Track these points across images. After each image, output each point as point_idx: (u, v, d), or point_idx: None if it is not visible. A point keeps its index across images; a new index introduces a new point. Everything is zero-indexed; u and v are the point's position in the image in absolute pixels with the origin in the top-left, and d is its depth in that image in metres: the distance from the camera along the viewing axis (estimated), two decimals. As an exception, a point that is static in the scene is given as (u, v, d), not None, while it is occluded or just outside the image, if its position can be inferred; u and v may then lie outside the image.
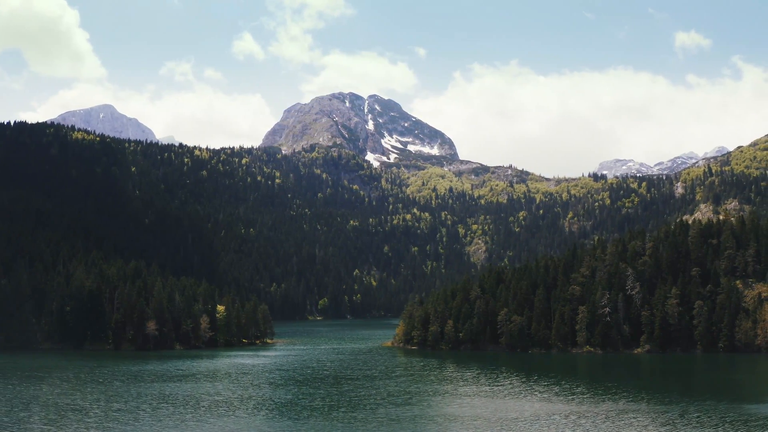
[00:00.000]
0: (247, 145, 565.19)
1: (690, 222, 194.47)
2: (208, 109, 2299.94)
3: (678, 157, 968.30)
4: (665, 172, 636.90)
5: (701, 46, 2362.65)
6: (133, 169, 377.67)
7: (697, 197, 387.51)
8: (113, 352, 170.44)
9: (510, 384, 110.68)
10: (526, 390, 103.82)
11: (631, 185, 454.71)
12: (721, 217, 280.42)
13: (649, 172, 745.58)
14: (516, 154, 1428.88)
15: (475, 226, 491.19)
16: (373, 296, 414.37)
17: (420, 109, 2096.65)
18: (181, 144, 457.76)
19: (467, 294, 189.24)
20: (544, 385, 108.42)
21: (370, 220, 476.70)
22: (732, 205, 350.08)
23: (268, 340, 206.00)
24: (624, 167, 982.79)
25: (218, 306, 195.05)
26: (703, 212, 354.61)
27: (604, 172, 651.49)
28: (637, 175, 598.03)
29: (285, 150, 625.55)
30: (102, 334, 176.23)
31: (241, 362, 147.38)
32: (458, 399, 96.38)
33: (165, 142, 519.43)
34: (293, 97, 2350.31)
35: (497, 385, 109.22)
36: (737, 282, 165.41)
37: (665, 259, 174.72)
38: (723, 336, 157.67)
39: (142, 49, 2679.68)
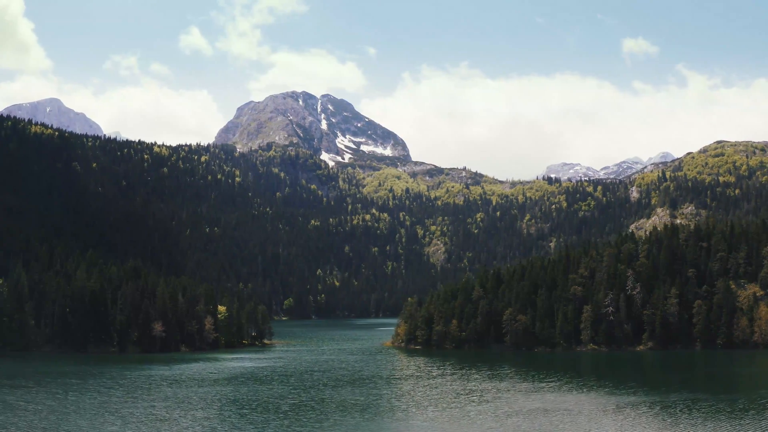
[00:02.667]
0: (195, 141, 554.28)
1: (674, 226, 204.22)
2: (154, 105, 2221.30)
3: (624, 162, 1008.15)
4: (612, 176, 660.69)
5: (648, 53, 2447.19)
6: (94, 165, 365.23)
7: (653, 202, 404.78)
8: (119, 355, 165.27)
9: (560, 380, 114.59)
10: (584, 385, 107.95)
11: (587, 189, 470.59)
12: (678, 221, 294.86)
13: (596, 176, 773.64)
14: (466, 156, 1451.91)
15: (433, 227, 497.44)
16: (336, 297, 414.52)
17: (369, 110, 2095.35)
18: (140, 140, 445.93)
19: (469, 294, 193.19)
20: (595, 380, 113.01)
21: (330, 220, 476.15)
22: (689, 209, 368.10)
23: (266, 341, 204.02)
24: (571, 171, 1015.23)
25: (219, 306, 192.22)
26: (660, 216, 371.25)
27: (552, 175, 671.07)
28: (584, 179, 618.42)
29: (240, 148, 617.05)
30: (105, 337, 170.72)
31: (269, 365, 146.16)
32: (528, 395, 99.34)
33: (113, 138, 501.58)
34: (241, 94, 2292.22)
35: (550, 381, 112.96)
36: (730, 283, 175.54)
37: (662, 261, 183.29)
38: (721, 333, 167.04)
39: (87, 41, 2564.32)
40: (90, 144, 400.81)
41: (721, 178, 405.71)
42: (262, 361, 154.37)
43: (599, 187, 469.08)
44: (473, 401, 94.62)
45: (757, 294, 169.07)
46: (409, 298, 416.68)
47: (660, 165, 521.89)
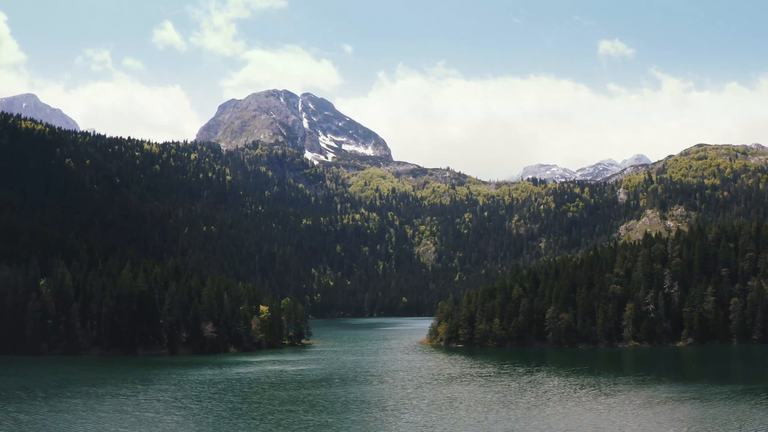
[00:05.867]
0: (173, 138, 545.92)
1: (705, 228, 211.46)
2: (127, 100, 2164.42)
3: (599, 164, 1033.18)
4: (588, 178, 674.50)
5: (624, 55, 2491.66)
6: (87, 162, 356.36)
7: (641, 203, 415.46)
8: (170, 357, 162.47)
9: (650, 374, 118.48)
10: (678, 378, 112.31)
11: (574, 190, 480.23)
12: (668, 223, 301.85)
13: (573, 177, 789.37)
14: (442, 156, 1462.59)
15: (422, 227, 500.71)
16: (331, 296, 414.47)
17: (344, 109, 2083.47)
18: (130, 137, 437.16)
19: (509, 293, 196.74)
20: (679, 374, 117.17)
21: (321, 219, 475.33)
22: (678, 211, 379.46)
23: (304, 341, 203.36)
24: (548, 172, 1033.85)
25: (261, 306, 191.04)
26: (650, 218, 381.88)
27: (531, 176, 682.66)
28: (562, 179, 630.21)
29: (224, 146, 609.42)
30: (154, 338, 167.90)
31: (340, 366, 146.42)
32: (640, 387, 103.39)
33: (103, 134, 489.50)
34: (214, 91, 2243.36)
35: (642, 375, 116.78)
36: (761, 281, 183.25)
37: (695, 260, 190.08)
38: (757, 329, 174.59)
39: (60, 34, 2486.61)
40: (81, 140, 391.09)
41: (706, 181, 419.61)
42: (329, 362, 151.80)
43: (586, 189, 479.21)
44: (597, 395, 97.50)
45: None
46: (404, 298, 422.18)
47: (641, 167, 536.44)
